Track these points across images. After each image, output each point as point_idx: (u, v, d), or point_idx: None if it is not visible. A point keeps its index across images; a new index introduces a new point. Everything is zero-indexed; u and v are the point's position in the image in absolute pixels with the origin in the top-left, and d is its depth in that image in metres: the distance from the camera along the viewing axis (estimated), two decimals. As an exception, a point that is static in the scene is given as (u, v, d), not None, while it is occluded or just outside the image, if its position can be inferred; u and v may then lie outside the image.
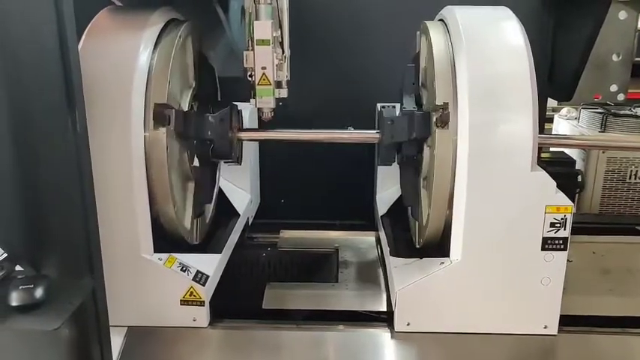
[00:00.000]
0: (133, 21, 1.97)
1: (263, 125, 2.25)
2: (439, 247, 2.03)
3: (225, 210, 2.58)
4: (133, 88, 1.83)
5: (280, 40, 2.00)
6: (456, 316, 1.96)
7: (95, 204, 1.52)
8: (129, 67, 1.85)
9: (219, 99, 2.42)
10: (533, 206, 1.85)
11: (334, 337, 2.04)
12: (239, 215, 2.59)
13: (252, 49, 1.91)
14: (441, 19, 2.15)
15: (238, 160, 2.21)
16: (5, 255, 1.44)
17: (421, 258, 2.04)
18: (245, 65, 1.95)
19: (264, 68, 1.93)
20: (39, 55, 1.36)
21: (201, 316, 1.98)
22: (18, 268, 1.49)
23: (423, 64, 2.16)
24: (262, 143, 2.92)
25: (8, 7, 1.30)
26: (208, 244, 2.30)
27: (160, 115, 1.89)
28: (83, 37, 1.88)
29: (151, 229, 1.95)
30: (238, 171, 2.62)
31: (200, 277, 1.99)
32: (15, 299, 1.34)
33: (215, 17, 2.52)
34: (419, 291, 1.93)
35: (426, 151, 2.05)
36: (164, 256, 1.98)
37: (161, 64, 1.91)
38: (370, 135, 2.22)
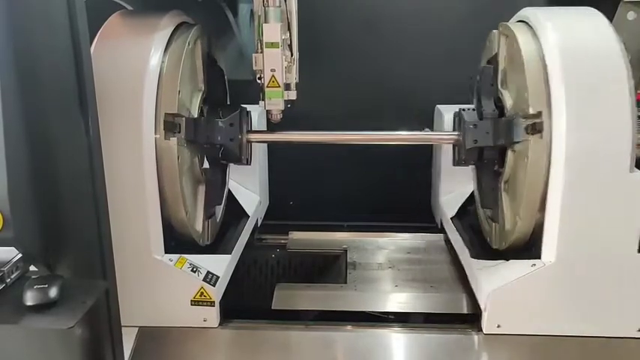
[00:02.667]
0: (144, 25, 1.99)
1: (272, 127, 2.27)
2: (523, 249, 2.01)
3: (235, 211, 2.60)
4: (144, 91, 1.85)
5: (289, 42, 2.01)
6: (548, 319, 1.93)
7: (107, 206, 1.54)
8: (140, 71, 1.87)
9: (228, 102, 2.45)
10: (630, 208, 1.82)
11: (343, 338, 2.05)
12: (248, 216, 2.60)
13: (262, 52, 1.93)
14: (520, 21, 2.12)
15: (247, 162, 2.23)
16: (20, 255, 1.46)
17: (507, 260, 2.01)
18: (254, 68, 1.96)
19: (273, 70, 1.94)
20: (52, 59, 1.38)
21: (211, 316, 2.00)
22: (32, 268, 1.51)
23: (502, 65, 2.14)
24: (271, 145, 2.93)
25: (23, 14, 1.33)
26: (218, 245, 2.32)
27: (170, 124, 1.91)
28: (95, 40, 1.90)
29: (162, 231, 1.96)
30: (247, 173, 2.64)
31: (210, 278, 2.01)
32: (30, 299, 1.35)
33: (224, 20, 2.55)
34: (510, 293, 1.90)
35: (510, 155, 2.03)
36: (175, 256, 2.00)
37: (171, 67, 1.93)
38: (447, 137, 2.23)
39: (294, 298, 2.29)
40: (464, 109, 2.16)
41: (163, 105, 1.90)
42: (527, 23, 2.06)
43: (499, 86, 2.16)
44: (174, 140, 1.92)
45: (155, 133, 1.89)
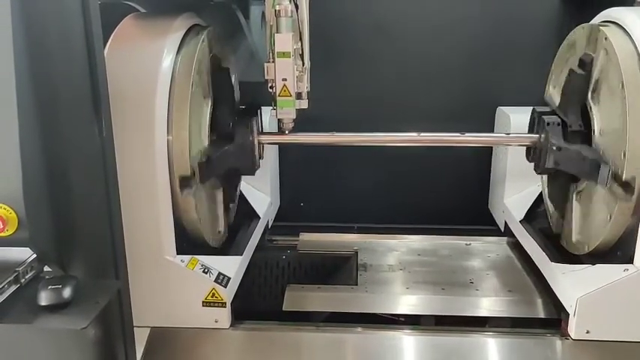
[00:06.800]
0: (156, 27, 2.00)
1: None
2: (606, 253, 1.98)
3: (246, 212, 2.61)
4: (157, 92, 1.86)
5: (301, 52, 2.01)
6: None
7: (120, 207, 1.55)
8: (153, 72, 1.88)
9: (237, 103, 2.45)
10: None
11: (354, 340, 2.05)
12: (259, 218, 2.61)
13: (273, 61, 1.94)
14: (607, 22, 2.04)
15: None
16: (35, 256, 1.48)
17: (593, 264, 1.98)
18: (266, 77, 1.97)
19: (284, 80, 1.95)
20: (67, 62, 1.39)
21: (222, 317, 2.00)
22: (47, 268, 1.53)
23: (597, 74, 2.00)
24: (282, 146, 2.94)
25: (37, 18, 1.34)
26: (229, 246, 2.33)
27: (185, 181, 1.94)
28: (108, 43, 1.91)
29: (173, 232, 1.97)
30: (258, 174, 2.63)
31: (222, 279, 2.01)
32: (44, 299, 1.36)
33: (236, 22, 2.56)
34: (601, 298, 1.87)
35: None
36: (186, 258, 2.01)
37: (184, 70, 1.94)
38: (525, 138, 2.21)
39: (305, 300, 2.29)
40: (543, 113, 2.09)
41: (176, 170, 1.92)
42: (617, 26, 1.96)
43: (589, 96, 2.05)
44: (190, 197, 1.96)
45: (167, 135, 1.90)
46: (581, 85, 2.06)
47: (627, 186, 1.83)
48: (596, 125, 2.01)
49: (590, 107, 2.05)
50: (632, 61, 1.84)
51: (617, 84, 1.85)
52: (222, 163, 2.12)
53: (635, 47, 1.86)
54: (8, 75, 1.29)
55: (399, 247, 2.74)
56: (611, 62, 1.90)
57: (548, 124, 2.08)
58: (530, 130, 2.26)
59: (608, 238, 1.94)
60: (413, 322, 2.20)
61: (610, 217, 1.88)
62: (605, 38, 1.94)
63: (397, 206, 3.07)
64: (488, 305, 2.24)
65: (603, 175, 1.89)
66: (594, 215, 2.01)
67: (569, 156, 2.02)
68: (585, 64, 2.05)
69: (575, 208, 2.09)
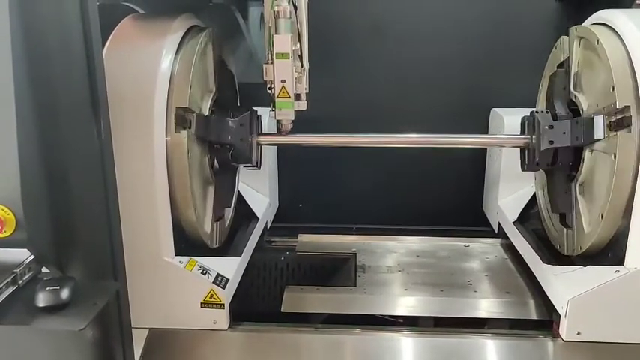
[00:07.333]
0: (156, 28, 2.00)
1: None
2: (597, 254, 1.98)
3: (244, 214, 2.61)
4: (156, 93, 1.86)
5: (299, 53, 2.02)
6: (631, 326, 1.89)
7: (118, 208, 1.55)
8: (151, 73, 1.88)
9: (239, 104, 2.45)
10: None
11: (352, 341, 2.04)
12: (258, 219, 2.61)
13: (272, 62, 1.94)
14: (598, 23, 2.07)
15: (257, 165, 2.24)
16: (33, 257, 1.48)
17: (584, 266, 1.99)
18: (265, 78, 1.98)
19: (283, 81, 1.95)
20: (65, 63, 1.39)
21: (221, 318, 2.00)
22: (45, 269, 1.53)
23: (575, 68, 2.12)
24: (280, 147, 2.94)
25: (36, 20, 1.34)
26: (228, 247, 2.33)
27: (181, 118, 1.92)
28: (107, 44, 1.91)
29: (172, 233, 1.97)
30: (257, 175, 2.65)
31: (220, 280, 2.01)
32: (42, 300, 1.37)
33: (235, 24, 2.57)
34: (592, 299, 1.86)
35: (588, 155, 2.01)
36: (185, 259, 2.01)
37: (183, 71, 1.94)
38: (517, 140, 2.23)
39: (304, 301, 2.29)
40: (535, 111, 2.15)
41: (174, 101, 1.90)
42: (605, 25, 2.01)
43: (572, 89, 2.13)
44: (184, 134, 1.92)
45: (166, 136, 1.90)
46: (563, 82, 2.17)
47: (623, 123, 1.81)
48: (584, 104, 2.06)
49: (575, 96, 2.11)
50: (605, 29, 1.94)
51: (595, 53, 1.90)
52: (219, 130, 2.11)
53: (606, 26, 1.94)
54: (7, 77, 1.29)
55: (397, 249, 2.75)
56: (585, 45, 1.99)
57: (537, 112, 2.15)
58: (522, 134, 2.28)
59: (601, 236, 1.93)
60: (411, 323, 2.21)
61: (612, 183, 1.85)
62: (576, 29, 2.07)
63: (396, 207, 3.08)
64: (485, 307, 2.24)
65: (599, 126, 1.90)
66: (599, 202, 1.99)
67: (562, 129, 2.05)
68: (563, 63, 2.19)
69: (581, 202, 2.09)
